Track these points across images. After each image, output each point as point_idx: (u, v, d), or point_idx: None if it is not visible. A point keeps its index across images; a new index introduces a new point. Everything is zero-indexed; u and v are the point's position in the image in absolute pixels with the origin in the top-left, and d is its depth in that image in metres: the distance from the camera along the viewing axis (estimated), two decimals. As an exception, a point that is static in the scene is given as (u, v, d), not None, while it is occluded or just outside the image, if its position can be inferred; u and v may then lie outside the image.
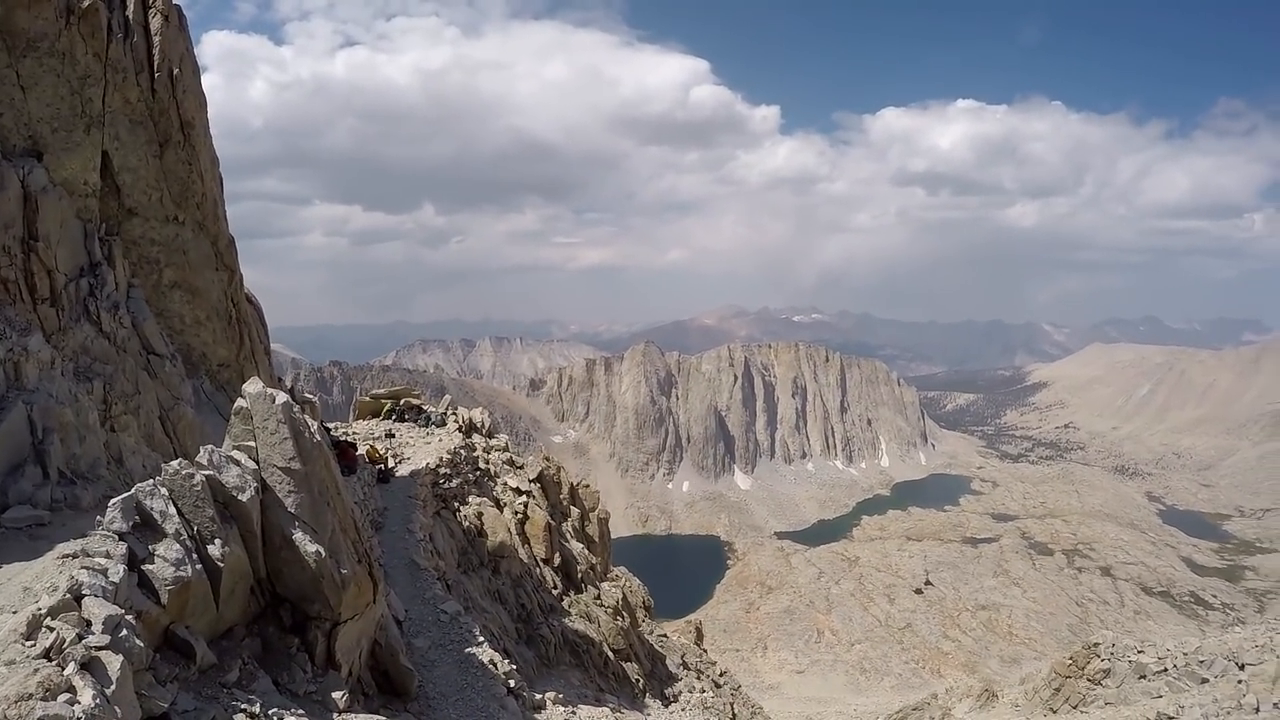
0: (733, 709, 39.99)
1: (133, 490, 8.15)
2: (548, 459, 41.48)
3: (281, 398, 9.50)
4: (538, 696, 18.25)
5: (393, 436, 33.70)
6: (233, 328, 18.96)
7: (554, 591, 31.79)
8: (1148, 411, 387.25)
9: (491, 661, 16.41)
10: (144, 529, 7.94)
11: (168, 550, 7.81)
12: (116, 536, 7.62)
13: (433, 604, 18.12)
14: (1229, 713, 26.70)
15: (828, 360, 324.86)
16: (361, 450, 26.55)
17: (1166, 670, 35.32)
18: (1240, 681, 30.12)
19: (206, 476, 8.50)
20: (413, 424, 37.12)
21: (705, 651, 51.65)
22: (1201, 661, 34.77)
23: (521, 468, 37.72)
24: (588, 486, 46.60)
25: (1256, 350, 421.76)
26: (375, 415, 38.90)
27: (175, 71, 17.67)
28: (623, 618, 35.22)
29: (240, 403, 9.40)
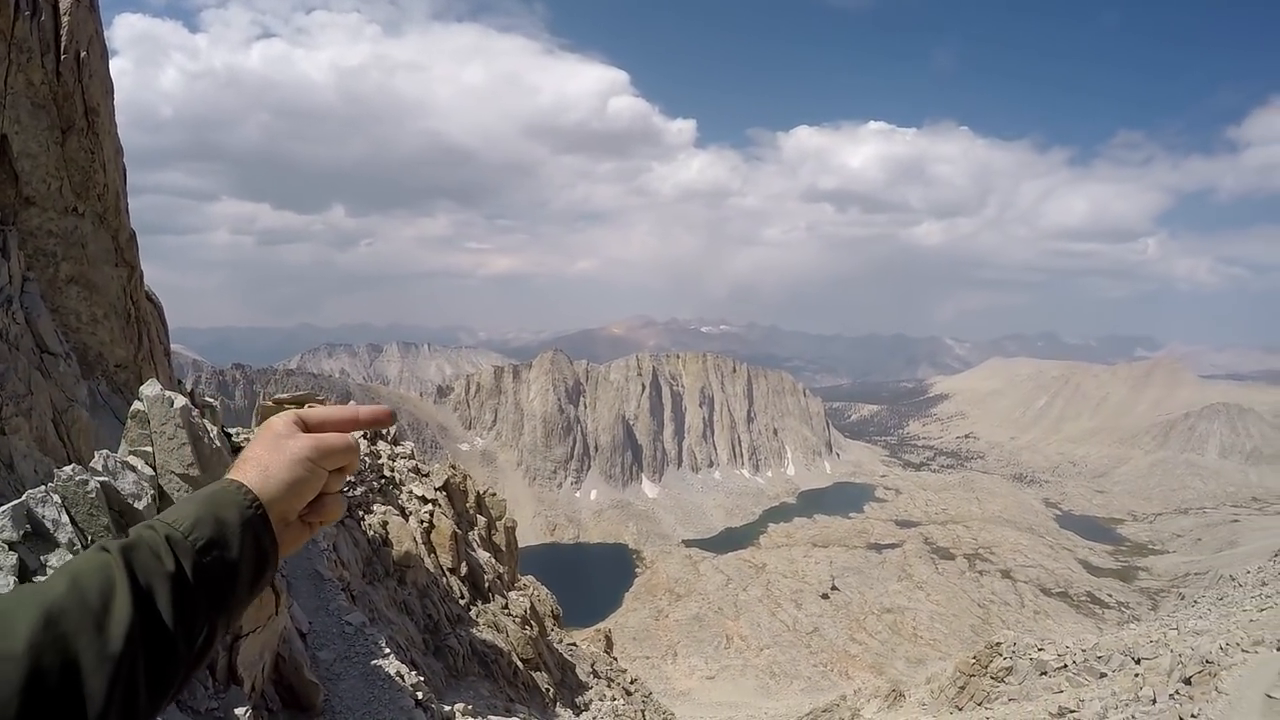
0: (644, 716, 39.89)
1: (23, 497, 7.73)
2: (454, 467, 40.89)
3: (180, 401, 9.13)
4: (446, 708, 17.92)
5: (296, 444, 32.87)
6: (131, 327, 18.15)
7: (461, 601, 31.33)
8: (1045, 422, 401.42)
9: (399, 673, 16.06)
10: (35, 538, 7.53)
11: (60, 561, 7.43)
12: (6, 546, 7.21)
13: (337, 615, 17.63)
14: (1127, 705, 27.57)
15: (735, 371, 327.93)
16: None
17: (1066, 666, 36.49)
18: (1137, 675, 31.30)
19: (101, 483, 8.11)
20: (317, 431, 36.29)
21: (615, 659, 51.47)
22: (1099, 657, 36.06)
23: (427, 475, 37.07)
24: (494, 495, 46.05)
25: (1147, 365, 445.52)
26: (278, 421, 37.92)
27: (83, 54, 16.83)
28: (531, 627, 34.88)
29: (137, 406, 9.00)
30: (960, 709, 38.09)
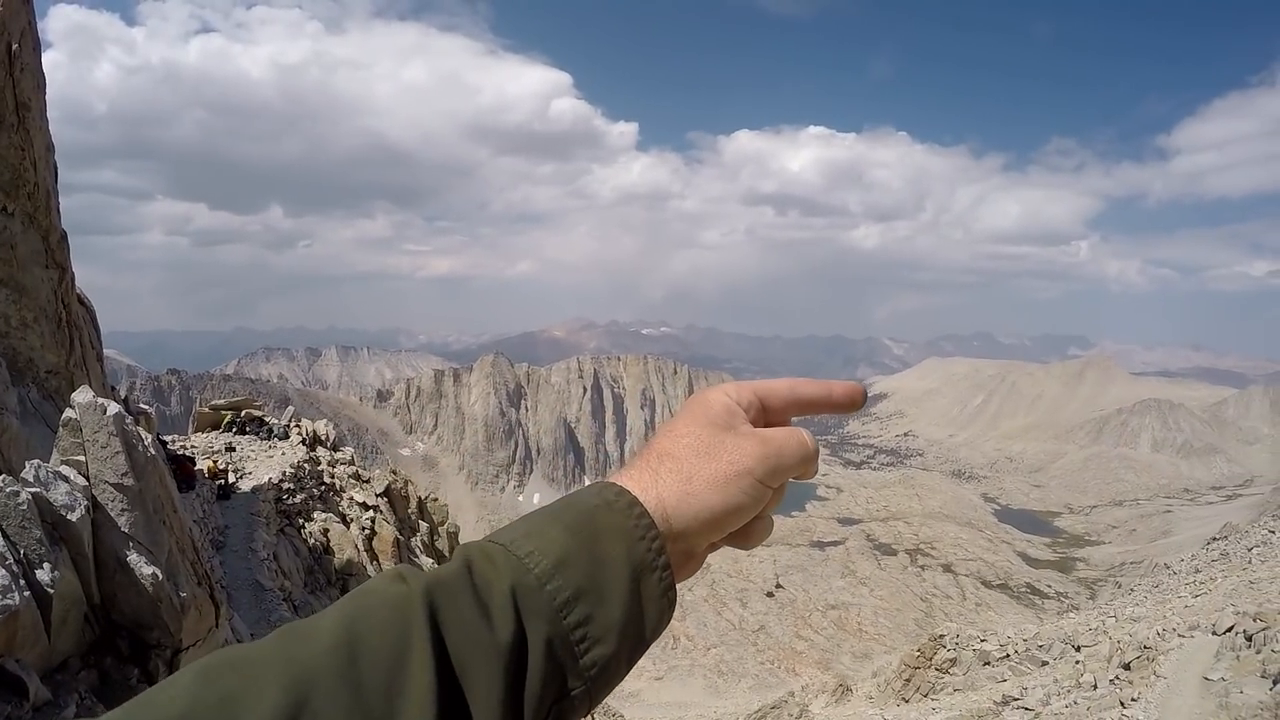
0: (593, 718, 39.74)
1: (-53, 511, 7.43)
2: (395, 472, 40.44)
3: (113, 408, 8.83)
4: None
5: (233, 450, 32.22)
6: (62, 331, 17.56)
7: (406, 608, 30.93)
8: (981, 420, 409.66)
9: (344, 683, 15.74)
10: (-41, 554, 7.24)
11: (-12, 578, 7.14)
12: (-73, 563, 6.92)
13: (278, 627, 17.27)
14: (1069, 691, 28.11)
15: (676, 373, 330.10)
16: (201, 465, 25.27)
17: (1009, 656, 37.12)
18: (1078, 662, 32.03)
19: (33, 494, 7.81)
20: (254, 437, 35.61)
21: (561, 663, 51.11)
22: (1040, 646, 36.79)
23: (368, 482, 36.60)
24: (436, 500, 45.61)
25: (1080, 364, 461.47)
26: (215, 427, 37.09)
27: (14, 47, 16.17)
28: (478, 632, 34.53)
29: (69, 413, 8.69)
30: (907, 701, 38.54)
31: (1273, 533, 55.54)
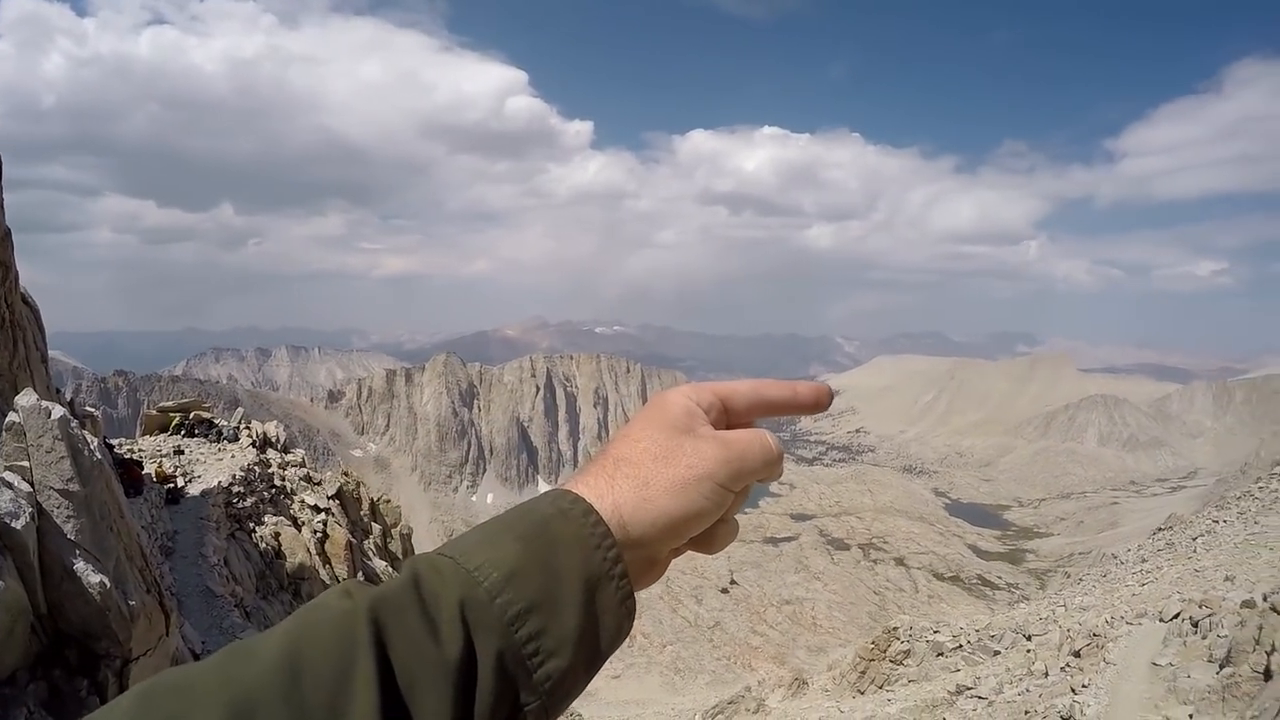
0: None
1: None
2: (346, 474, 40.03)
3: (58, 412, 8.60)
4: None
5: (182, 453, 31.66)
6: (5, 332, 17.07)
7: (361, 611, 30.61)
8: (932, 416, 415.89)
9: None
10: (-103, 564, 7.00)
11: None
12: None
13: (231, 633, 16.96)
14: (1021, 679, 28.58)
15: (629, 372, 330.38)
16: (149, 469, 24.80)
17: (961, 647, 37.66)
18: (1029, 651, 32.60)
19: (-28, 502, 7.58)
20: (203, 439, 35.01)
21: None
22: (992, 636, 37.42)
23: (319, 484, 36.16)
24: (389, 501, 45.24)
25: (1029, 360, 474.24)
26: (163, 430, 36.41)
27: None
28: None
29: (12, 417, 8.44)
30: (862, 693, 38.87)
31: (1216, 523, 56.86)
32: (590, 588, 1.08)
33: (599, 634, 1.08)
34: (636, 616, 1.03)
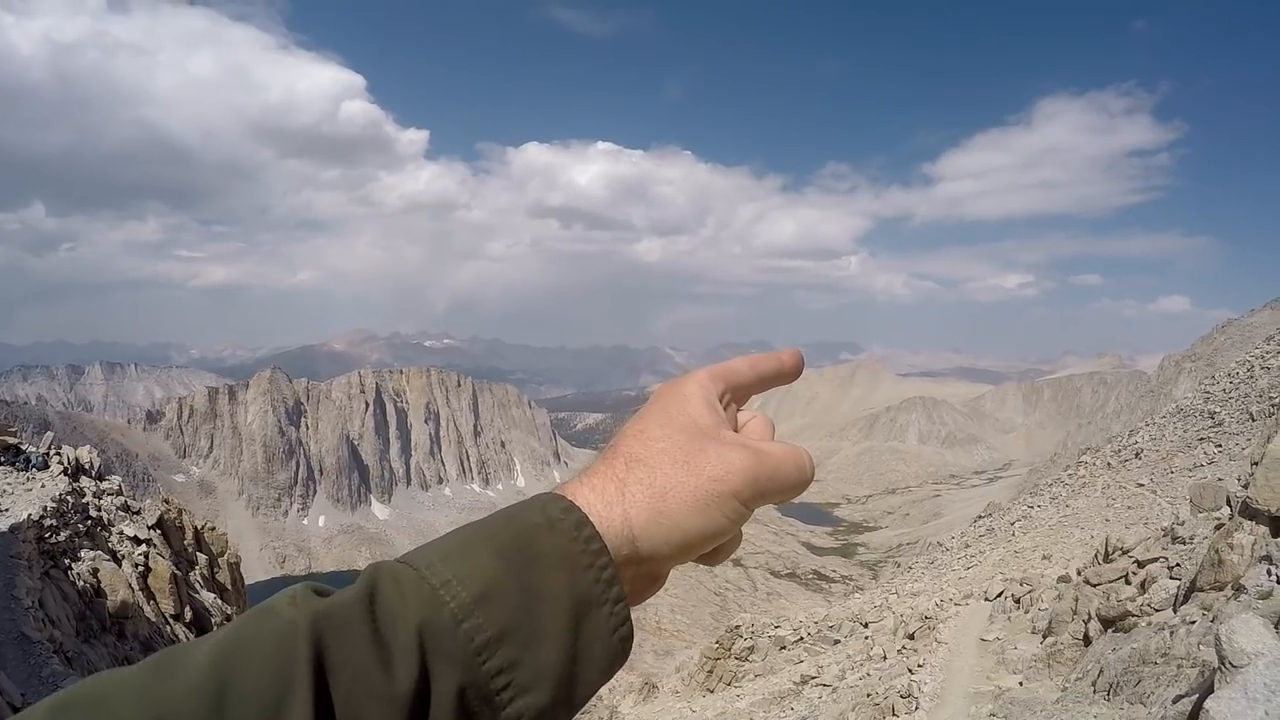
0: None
1: None
2: (167, 501, 37.85)
3: None
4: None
5: (-18, 489, 29.44)
6: None
7: (190, 646, 29.10)
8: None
9: (130, 732, 14.62)
10: None
11: None
12: None
13: (51, 683, 15.75)
14: (861, 665, 30.05)
15: (460, 385, 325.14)
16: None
17: (803, 639, 38.97)
18: (867, 638, 34.46)
19: None
20: (9, 468, 32.58)
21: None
22: (831, 626, 39.06)
23: (139, 513, 34.09)
24: (214, 529, 43.08)
25: (851, 367, 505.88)
26: (-41, 463, 33.83)
27: None
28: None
29: None
30: (712, 691, 39.51)
31: (1031, 508, 60.96)
32: (577, 613, 0.90)
33: (585, 667, 0.90)
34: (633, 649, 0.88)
